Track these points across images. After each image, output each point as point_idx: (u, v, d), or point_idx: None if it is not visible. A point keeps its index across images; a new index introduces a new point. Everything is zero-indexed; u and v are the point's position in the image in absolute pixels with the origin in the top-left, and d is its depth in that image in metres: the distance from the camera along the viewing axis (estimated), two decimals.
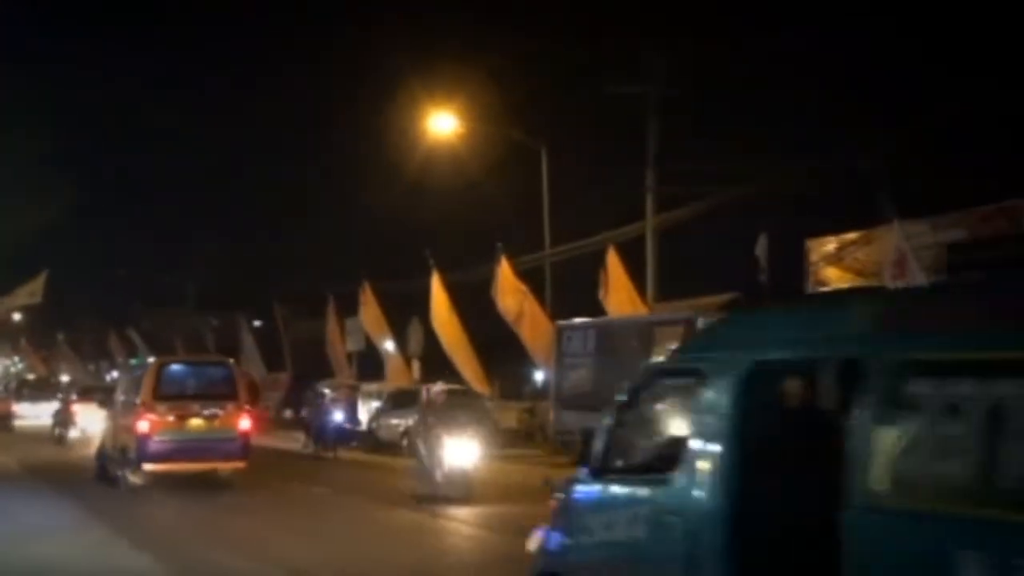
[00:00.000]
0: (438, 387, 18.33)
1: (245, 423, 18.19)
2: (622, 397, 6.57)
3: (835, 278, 28.03)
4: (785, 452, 5.41)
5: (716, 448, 5.58)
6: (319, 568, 11.31)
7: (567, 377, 21.52)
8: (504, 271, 28.06)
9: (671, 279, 27.11)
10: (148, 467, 17.78)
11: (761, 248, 24.37)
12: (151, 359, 21.23)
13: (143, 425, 17.55)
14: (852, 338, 5.20)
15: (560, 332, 22.16)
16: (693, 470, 5.69)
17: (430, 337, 31.85)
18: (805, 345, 5.49)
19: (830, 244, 28.41)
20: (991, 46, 23.20)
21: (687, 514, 5.65)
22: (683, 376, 6.21)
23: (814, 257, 28.72)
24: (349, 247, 43.21)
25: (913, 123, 22.42)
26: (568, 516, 6.71)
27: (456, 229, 36.62)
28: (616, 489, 6.39)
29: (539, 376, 30.90)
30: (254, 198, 57.24)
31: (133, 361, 29.83)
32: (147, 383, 18.12)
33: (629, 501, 6.21)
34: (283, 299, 43.91)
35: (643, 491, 6.09)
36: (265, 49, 57.81)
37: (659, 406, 6.46)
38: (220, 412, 17.99)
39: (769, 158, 24.65)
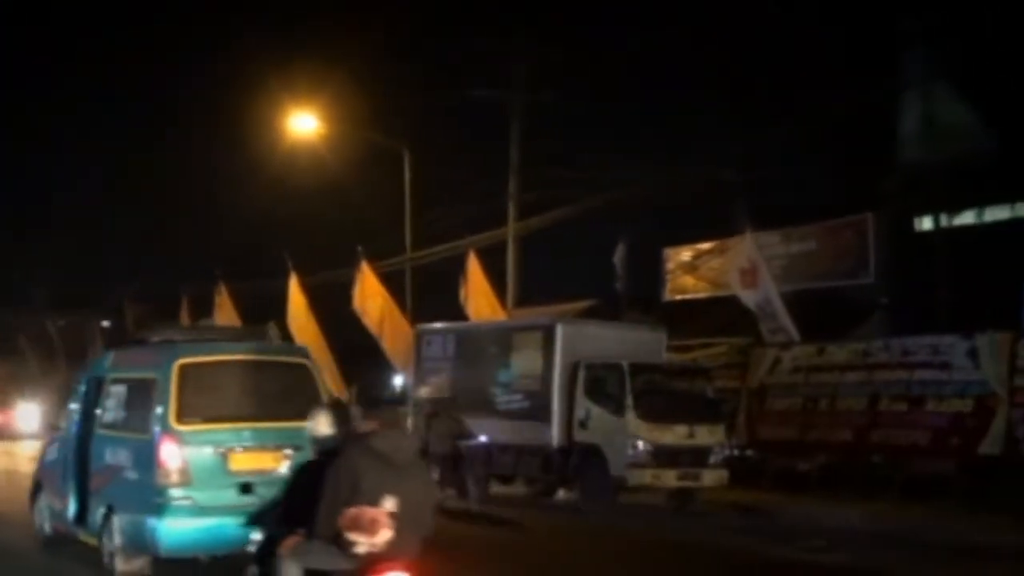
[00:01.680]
0: None
1: None
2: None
3: (690, 286, 28.67)
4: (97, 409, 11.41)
5: (76, 410, 11.69)
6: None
7: (426, 381, 21.31)
8: (365, 274, 27.72)
9: (532, 285, 27.26)
10: None
11: (619, 256, 24.69)
12: None
13: None
14: (108, 368, 11.49)
15: (419, 336, 21.89)
16: (73, 419, 11.70)
17: (287, 340, 31.25)
18: (99, 371, 11.65)
19: (686, 253, 29.05)
20: (847, 58, 24.02)
21: (68, 439, 11.67)
22: (85, 383, 11.91)
23: (671, 265, 29.33)
24: (205, 246, 42.14)
25: (769, 135, 23.00)
26: (47, 449, 12.72)
27: (316, 231, 36.08)
28: (60, 435, 12.22)
29: (398, 381, 30.61)
30: (106, 194, 55.35)
31: None
32: None
33: (63, 440, 11.98)
34: (135, 299, 42.51)
35: (65, 434, 11.95)
36: (120, 43, 55.93)
37: (83, 395, 11.84)
38: None
39: (629, 166, 24.94)
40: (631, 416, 16.54)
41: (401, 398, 27.98)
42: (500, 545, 13.71)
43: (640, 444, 16.38)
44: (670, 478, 16.54)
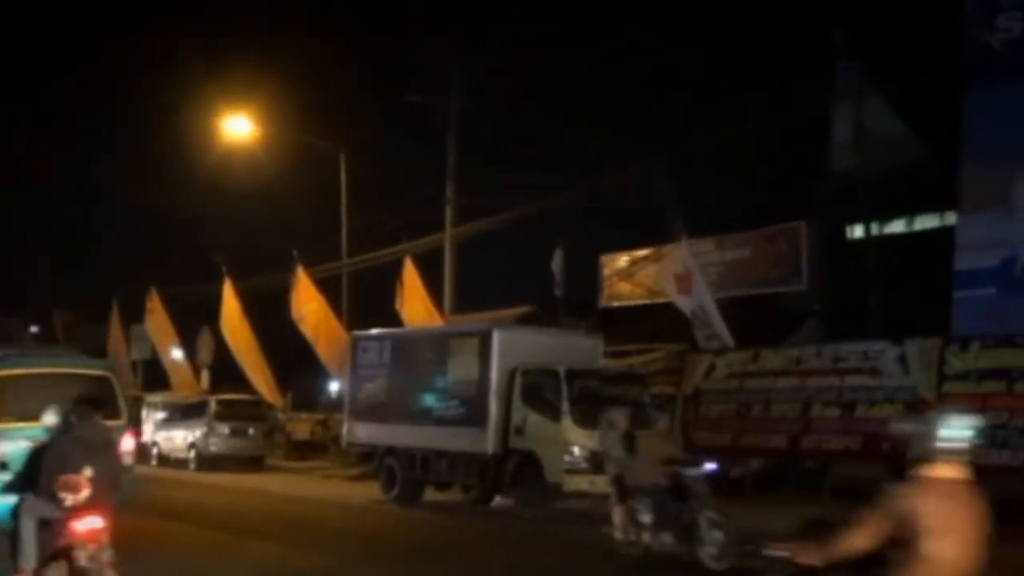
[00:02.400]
0: None
1: None
2: None
3: (627, 292, 28.81)
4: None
5: None
6: None
7: (361, 388, 21.10)
8: (301, 279, 27.47)
9: (469, 291, 27.20)
10: None
11: (556, 262, 24.71)
12: None
13: None
14: None
15: (355, 342, 21.69)
16: None
17: (222, 346, 30.86)
18: None
19: (622, 259, 29.19)
20: (780, 67, 24.28)
21: None
22: None
23: (607, 272, 29.45)
24: (136, 250, 41.45)
25: (704, 143, 23.20)
26: None
27: (252, 235, 35.67)
28: None
29: (334, 387, 30.37)
30: (34, 195, 54.24)
31: None
32: None
33: None
34: (63, 303, 41.69)
35: None
36: (50, 42, 54.90)
37: None
38: None
39: (566, 173, 25.02)
40: (567, 422, 16.54)
41: (337, 403, 27.79)
42: (434, 548, 13.65)
43: (576, 450, 16.38)
44: (606, 484, 16.54)
